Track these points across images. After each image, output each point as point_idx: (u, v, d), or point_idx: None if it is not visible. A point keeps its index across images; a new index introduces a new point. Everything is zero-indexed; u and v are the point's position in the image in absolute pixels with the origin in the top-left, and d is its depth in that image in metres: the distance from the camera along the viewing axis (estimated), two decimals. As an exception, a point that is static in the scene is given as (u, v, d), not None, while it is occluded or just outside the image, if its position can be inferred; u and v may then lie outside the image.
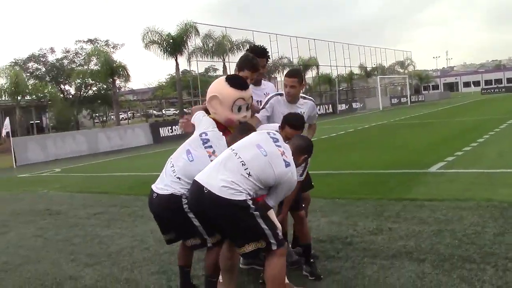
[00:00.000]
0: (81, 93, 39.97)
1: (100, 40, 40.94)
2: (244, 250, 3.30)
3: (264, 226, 3.25)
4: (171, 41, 30.32)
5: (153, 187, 3.64)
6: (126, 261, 5.13)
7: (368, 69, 54.69)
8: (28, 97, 32.96)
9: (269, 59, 4.75)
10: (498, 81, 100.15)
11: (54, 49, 40.89)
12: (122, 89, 44.81)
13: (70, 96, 40.64)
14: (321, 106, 40.39)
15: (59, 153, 19.92)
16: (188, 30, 30.38)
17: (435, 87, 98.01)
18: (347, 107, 43.84)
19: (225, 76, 4.07)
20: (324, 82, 48.13)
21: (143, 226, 6.55)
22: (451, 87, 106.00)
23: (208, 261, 3.70)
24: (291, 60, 41.43)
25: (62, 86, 40.53)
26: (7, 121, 17.69)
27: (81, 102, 39.72)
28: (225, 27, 32.62)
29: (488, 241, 4.66)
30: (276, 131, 3.72)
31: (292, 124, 3.86)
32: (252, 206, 3.22)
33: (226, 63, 34.35)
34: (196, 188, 3.28)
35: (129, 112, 58.02)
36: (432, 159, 9.74)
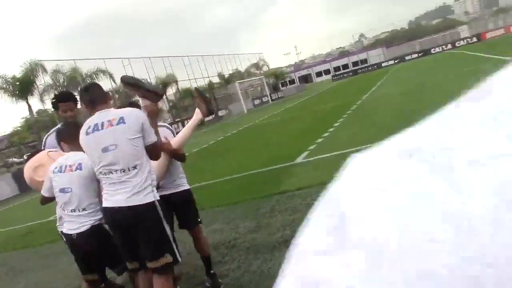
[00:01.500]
0: None
1: None
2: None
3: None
4: (17, 83, 28.62)
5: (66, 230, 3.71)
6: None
7: (226, 76, 56.02)
8: None
9: (76, 101, 4.59)
10: (345, 66, 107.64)
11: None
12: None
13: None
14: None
15: None
16: (34, 69, 28.91)
17: (292, 82, 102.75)
18: (212, 117, 44.45)
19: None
20: (186, 96, 48.30)
21: (26, 280, 6.28)
22: (306, 79, 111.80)
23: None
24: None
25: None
26: None
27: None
28: (74, 59, 31.58)
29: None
30: None
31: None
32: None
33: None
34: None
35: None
36: (297, 151, 10.38)
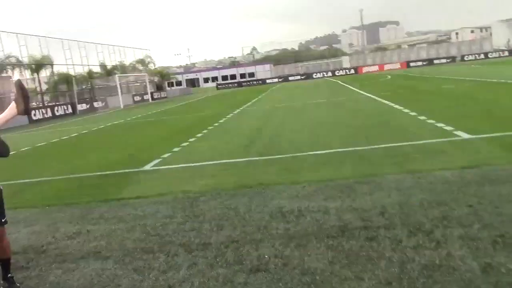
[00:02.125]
0: None
1: None
2: None
3: None
4: None
5: None
6: None
7: (109, 67, 54.19)
8: None
9: None
10: (233, 76, 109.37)
11: None
12: None
13: None
14: (60, 107, 38.68)
15: None
16: None
17: (179, 83, 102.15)
18: (88, 107, 42.81)
19: None
20: (61, 82, 45.95)
21: None
22: (193, 83, 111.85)
23: None
24: (20, 59, 38.55)
25: None
26: None
27: None
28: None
29: (171, 231, 5.22)
30: None
31: None
32: None
33: None
34: None
35: None
36: (150, 157, 10.29)
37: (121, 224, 5.72)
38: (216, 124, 16.54)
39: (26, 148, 15.68)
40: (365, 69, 77.80)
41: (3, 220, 4.15)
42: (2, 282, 4.24)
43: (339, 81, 45.19)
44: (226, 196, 6.42)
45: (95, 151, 13.39)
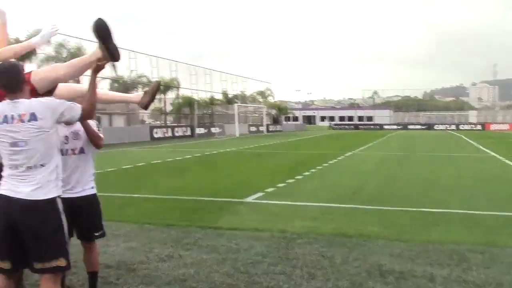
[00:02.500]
0: None
1: None
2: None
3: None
4: (17, 45, 28.55)
5: None
6: None
7: (230, 96, 56.17)
8: None
9: None
10: (350, 118, 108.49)
11: None
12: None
13: None
14: (180, 128, 40.59)
15: None
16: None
17: (295, 118, 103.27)
18: (205, 131, 44.48)
19: None
20: (185, 104, 48.37)
21: None
22: (309, 120, 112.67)
23: None
24: (150, 79, 41.18)
25: None
26: None
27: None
28: (81, 38, 31.47)
29: (261, 271, 5.01)
30: None
31: None
32: None
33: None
34: None
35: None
36: (253, 189, 10.24)
37: (213, 254, 5.63)
38: (326, 164, 16.22)
39: (141, 164, 16.46)
40: (493, 126, 73.08)
41: (96, 234, 4.20)
42: None
43: (463, 136, 42.80)
44: (323, 243, 6.10)
45: (202, 175, 13.67)
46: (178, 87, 45.92)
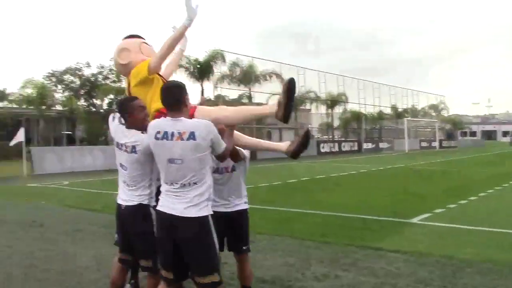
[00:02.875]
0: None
1: (133, 60, 41.89)
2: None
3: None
4: (198, 66, 31.09)
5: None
6: (71, 281, 5.30)
7: (399, 110, 54.38)
8: (60, 108, 33.90)
9: None
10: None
11: (90, 63, 42.00)
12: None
13: (101, 111, 41.41)
14: (347, 143, 40.36)
15: (75, 166, 20.43)
16: (215, 57, 31.10)
17: (473, 134, 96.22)
18: (373, 146, 43.58)
19: None
20: (352, 119, 48.04)
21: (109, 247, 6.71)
22: (489, 135, 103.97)
23: None
24: (318, 94, 41.65)
25: (94, 100, 41.41)
26: (21, 131, 18.36)
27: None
28: (252, 57, 33.15)
29: (422, 300, 4.64)
30: None
31: None
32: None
33: (252, 92, 34.91)
34: None
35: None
36: (420, 209, 9.63)
37: (371, 277, 5.36)
38: (506, 185, 14.66)
39: (305, 178, 16.61)
40: None
41: (244, 248, 4.25)
42: None
43: None
44: (497, 274, 5.44)
45: (366, 191, 13.28)
46: (345, 102, 45.80)
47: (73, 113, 36.23)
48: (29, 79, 28.92)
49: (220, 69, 32.49)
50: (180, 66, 31.47)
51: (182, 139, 3.30)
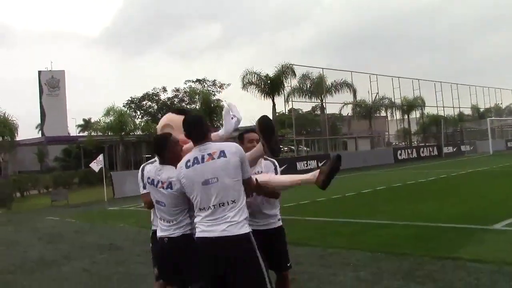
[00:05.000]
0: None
1: (208, 80, 43.13)
2: None
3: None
4: (268, 82, 31.31)
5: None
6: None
7: (481, 110, 51.78)
8: (139, 133, 35.28)
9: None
10: None
11: (166, 88, 43.66)
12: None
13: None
14: (426, 148, 38.94)
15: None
16: (285, 72, 31.19)
17: None
18: (454, 149, 41.70)
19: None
20: (431, 123, 46.31)
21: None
22: None
23: None
24: (393, 100, 40.55)
25: (171, 123, 42.75)
26: (100, 157, 19.26)
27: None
28: (322, 68, 32.85)
29: (503, 314, 4.29)
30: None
31: None
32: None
33: (324, 103, 34.61)
34: None
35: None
36: (504, 214, 8.99)
37: (446, 290, 5.04)
38: None
39: (381, 187, 16.12)
40: None
41: (288, 265, 4.19)
42: None
43: None
44: None
45: (445, 198, 12.63)
46: (423, 106, 44.29)
47: (151, 137, 37.57)
48: (110, 106, 30.28)
49: (290, 83, 32.55)
50: (251, 83, 31.92)
51: (213, 159, 3.34)
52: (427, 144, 43.21)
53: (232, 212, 3.28)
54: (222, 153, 3.34)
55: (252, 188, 3.57)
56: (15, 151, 32.46)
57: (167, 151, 3.79)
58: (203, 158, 3.36)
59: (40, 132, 53.26)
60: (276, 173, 4.12)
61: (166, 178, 3.71)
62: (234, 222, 3.26)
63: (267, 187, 3.78)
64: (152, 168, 3.90)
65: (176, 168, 3.59)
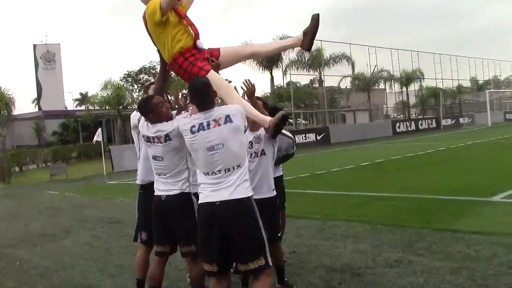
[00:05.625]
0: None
1: (206, 52, 42.76)
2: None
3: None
4: (265, 55, 30.97)
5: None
6: (144, 275, 5.42)
7: (480, 82, 51.60)
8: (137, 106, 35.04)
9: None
10: None
11: (163, 61, 43.23)
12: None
13: (176, 106, 42.41)
14: (424, 121, 38.93)
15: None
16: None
17: None
18: (453, 122, 41.69)
19: None
20: (429, 96, 46.15)
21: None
22: None
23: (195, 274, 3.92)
24: (392, 73, 40.28)
25: (169, 97, 42.40)
26: (99, 130, 19.25)
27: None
28: (320, 40, 32.45)
29: (503, 285, 4.32)
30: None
31: None
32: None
33: (322, 76, 34.39)
34: None
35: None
36: (503, 186, 9.01)
37: (447, 262, 5.06)
38: None
39: (379, 160, 16.13)
40: None
41: (279, 235, 4.42)
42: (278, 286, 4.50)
43: None
44: None
45: (444, 170, 12.64)
46: (421, 78, 44.08)
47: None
48: (107, 80, 30.01)
49: (288, 55, 32.26)
50: (248, 56, 31.60)
51: (219, 125, 3.33)
52: (425, 116, 43.17)
53: (235, 175, 3.32)
54: (228, 118, 3.35)
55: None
56: (13, 126, 32.36)
57: (152, 113, 3.82)
58: (208, 124, 3.36)
59: (37, 106, 52.98)
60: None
61: (162, 131, 3.76)
62: (237, 185, 3.30)
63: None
64: (144, 124, 3.94)
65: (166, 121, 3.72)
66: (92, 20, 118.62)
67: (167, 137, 3.74)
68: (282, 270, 4.53)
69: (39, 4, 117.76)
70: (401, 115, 46.29)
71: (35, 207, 11.60)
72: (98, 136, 17.94)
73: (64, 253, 6.77)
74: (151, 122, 3.85)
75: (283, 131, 4.32)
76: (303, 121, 41.59)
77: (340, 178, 12.65)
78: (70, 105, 57.43)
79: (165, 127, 3.75)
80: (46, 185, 17.33)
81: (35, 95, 53.87)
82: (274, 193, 4.17)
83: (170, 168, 3.81)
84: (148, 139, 3.86)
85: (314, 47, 23.08)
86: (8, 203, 12.81)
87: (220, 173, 3.31)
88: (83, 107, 41.96)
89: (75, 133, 39.05)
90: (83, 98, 51.39)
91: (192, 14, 3.95)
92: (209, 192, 3.34)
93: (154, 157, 3.86)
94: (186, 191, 3.83)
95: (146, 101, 3.93)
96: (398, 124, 35.94)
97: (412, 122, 37.71)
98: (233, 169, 3.31)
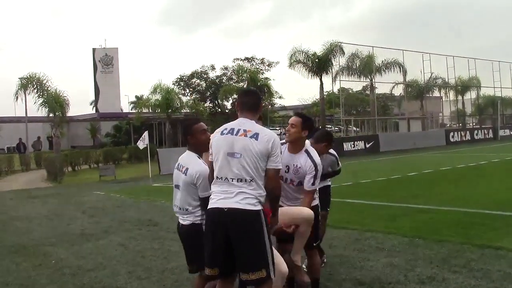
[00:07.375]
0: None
1: (256, 59, 42.89)
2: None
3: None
4: (316, 60, 30.75)
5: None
6: (170, 280, 5.42)
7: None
8: (187, 111, 35.53)
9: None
10: None
11: (214, 66, 43.71)
12: (276, 106, 46.54)
13: (226, 111, 42.67)
14: (480, 131, 37.50)
15: (202, 166, 21.32)
16: (333, 50, 30.49)
17: None
18: (511, 133, 39.90)
19: None
20: (487, 105, 44.37)
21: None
22: None
23: None
24: (447, 80, 38.99)
25: (219, 102, 42.83)
26: (145, 134, 19.58)
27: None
28: (372, 46, 31.86)
29: (542, 310, 4.03)
30: None
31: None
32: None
33: (373, 83, 33.74)
34: None
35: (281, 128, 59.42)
36: (556, 203, 8.53)
37: (484, 280, 4.80)
38: None
39: (428, 171, 15.62)
40: None
41: (314, 244, 4.34)
42: None
43: None
44: None
45: (493, 183, 12.07)
46: (478, 86, 42.49)
47: (198, 115, 37.82)
48: (156, 84, 30.53)
49: (339, 61, 31.89)
50: (298, 61, 31.50)
51: (246, 136, 3.42)
52: (482, 126, 41.55)
53: (247, 188, 3.34)
54: (255, 135, 3.42)
55: (271, 181, 3.46)
56: (68, 127, 33.40)
57: (190, 136, 3.98)
58: (238, 131, 3.47)
59: (94, 108, 54.74)
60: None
61: (184, 164, 3.93)
62: (246, 197, 3.33)
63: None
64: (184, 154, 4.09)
65: (199, 162, 3.86)
66: (147, 26, 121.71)
67: (186, 171, 3.88)
68: (316, 283, 4.49)
69: (100, 10, 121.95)
70: (457, 124, 44.78)
71: (79, 206, 11.89)
72: (141, 142, 18.32)
73: (99, 253, 6.88)
74: (188, 146, 4.02)
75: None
76: (354, 128, 40.95)
77: (383, 188, 12.31)
78: (126, 108, 59.10)
79: (190, 164, 3.89)
80: (95, 185, 17.78)
81: (93, 98, 55.74)
82: (316, 202, 4.27)
83: (183, 202, 3.94)
84: (177, 166, 4.04)
85: (365, 53, 22.74)
86: (54, 202, 13.18)
87: (232, 181, 3.37)
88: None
89: (127, 135, 40.02)
90: (138, 101, 52.71)
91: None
92: (219, 199, 3.40)
93: (176, 186, 4.04)
94: (197, 223, 3.89)
95: (190, 124, 4.11)
96: (452, 133, 34.78)
97: (467, 132, 36.38)
98: (246, 181, 3.35)
